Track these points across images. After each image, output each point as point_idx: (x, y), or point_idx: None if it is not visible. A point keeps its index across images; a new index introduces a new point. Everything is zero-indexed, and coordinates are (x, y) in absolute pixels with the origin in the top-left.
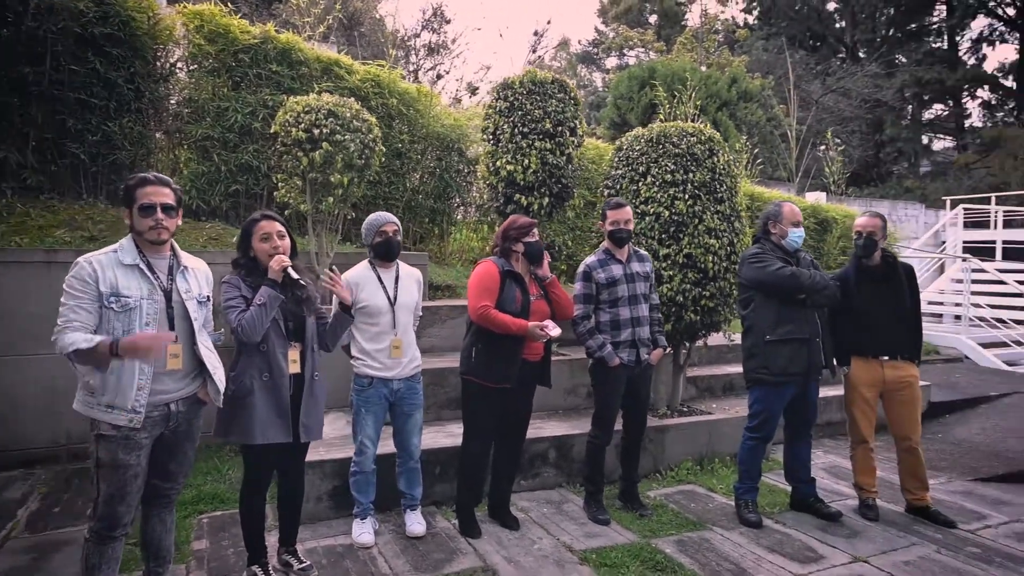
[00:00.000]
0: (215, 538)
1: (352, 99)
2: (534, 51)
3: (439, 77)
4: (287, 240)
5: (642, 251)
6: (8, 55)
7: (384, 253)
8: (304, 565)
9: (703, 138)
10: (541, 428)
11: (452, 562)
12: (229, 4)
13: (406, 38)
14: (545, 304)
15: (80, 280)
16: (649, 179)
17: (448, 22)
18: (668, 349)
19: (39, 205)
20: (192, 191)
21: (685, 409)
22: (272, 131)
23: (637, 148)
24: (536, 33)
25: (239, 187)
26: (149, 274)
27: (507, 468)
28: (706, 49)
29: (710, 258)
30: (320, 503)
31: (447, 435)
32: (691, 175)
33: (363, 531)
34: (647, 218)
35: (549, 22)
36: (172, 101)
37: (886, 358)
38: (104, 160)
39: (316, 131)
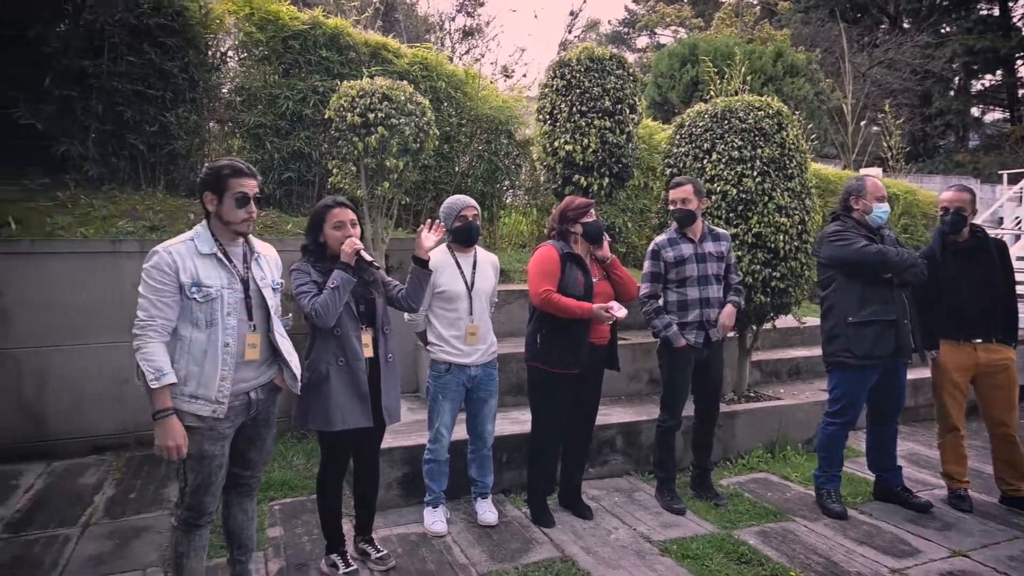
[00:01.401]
0: (289, 525)
1: (405, 82)
2: (570, 31)
3: (476, 61)
4: (358, 229)
5: (719, 230)
6: (69, 49)
7: (464, 238)
8: (382, 554)
9: (771, 112)
10: (607, 414)
11: (529, 552)
12: None
13: (440, 22)
14: (608, 285)
15: (160, 271)
16: (715, 156)
17: (482, 4)
18: (740, 306)
19: (101, 196)
20: None
21: (752, 394)
22: (326, 116)
23: (701, 124)
24: (572, 13)
25: (292, 174)
26: (227, 263)
27: (578, 456)
28: (745, 23)
29: (780, 237)
30: (390, 490)
31: (512, 422)
32: (759, 151)
33: (436, 519)
34: (713, 196)
35: (585, 1)
36: (225, 90)
37: (979, 340)
38: (161, 150)
39: (371, 115)
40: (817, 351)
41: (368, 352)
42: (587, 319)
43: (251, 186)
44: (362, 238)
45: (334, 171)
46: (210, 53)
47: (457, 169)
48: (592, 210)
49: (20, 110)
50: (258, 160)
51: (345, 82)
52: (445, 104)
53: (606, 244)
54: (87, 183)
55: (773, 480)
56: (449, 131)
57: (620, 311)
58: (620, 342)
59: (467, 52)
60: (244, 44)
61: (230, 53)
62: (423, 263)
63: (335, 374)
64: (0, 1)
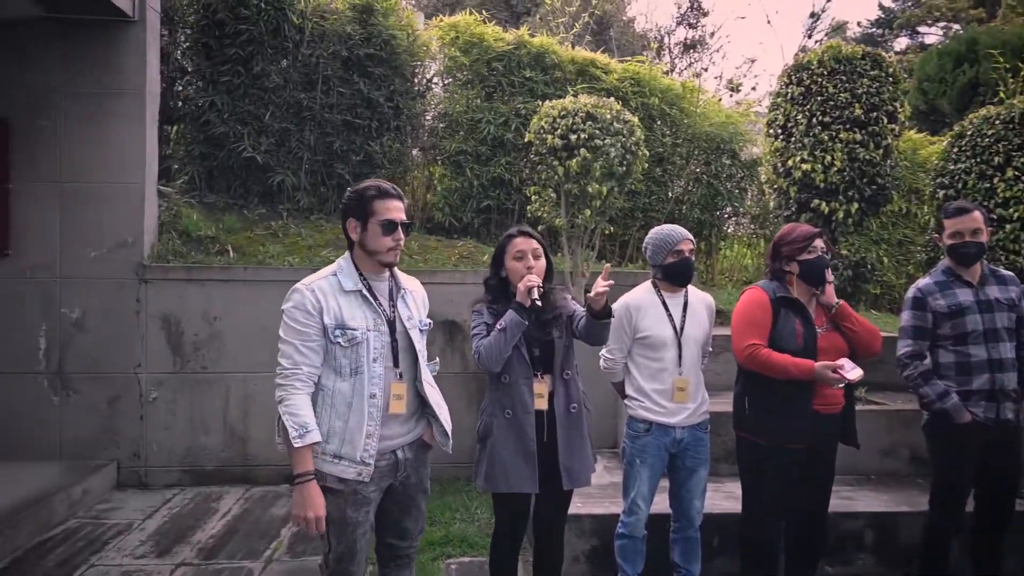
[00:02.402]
0: None
1: (611, 99)
2: (809, 36)
3: (697, 76)
4: (543, 260)
5: (1004, 271)
6: (288, 83)
7: (678, 276)
8: None
9: None
10: (851, 500)
11: None
12: (484, 12)
13: (659, 36)
14: (839, 338)
15: (303, 311)
16: (1010, 173)
17: (706, 15)
18: None
19: (309, 225)
20: (445, 208)
21: None
22: (526, 140)
23: (990, 133)
24: (812, 15)
25: (491, 202)
26: (372, 301)
27: (807, 550)
28: None
29: None
30: (576, 564)
31: (726, 496)
32: None
33: None
34: (1008, 226)
35: (829, 0)
36: (428, 117)
37: None
38: (366, 179)
39: (573, 137)
40: None
41: (542, 404)
42: (809, 381)
43: (398, 209)
44: (553, 272)
45: (533, 198)
46: (415, 80)
47: (670, 194)
48: (818, 242)
49: (244, 144)
50: (458, 188)
51: (547, 102)
52: (658, 122)
53: (830, 287)
54: (298, 212)
55: None
56: (662, 152)
57: (853, 372)
58: (870, 407)
59: (688, 67)
60: (448, 69)
61: (434, 80)
62: (600, 314)
63: (500, 428)
64: (232, 42)
